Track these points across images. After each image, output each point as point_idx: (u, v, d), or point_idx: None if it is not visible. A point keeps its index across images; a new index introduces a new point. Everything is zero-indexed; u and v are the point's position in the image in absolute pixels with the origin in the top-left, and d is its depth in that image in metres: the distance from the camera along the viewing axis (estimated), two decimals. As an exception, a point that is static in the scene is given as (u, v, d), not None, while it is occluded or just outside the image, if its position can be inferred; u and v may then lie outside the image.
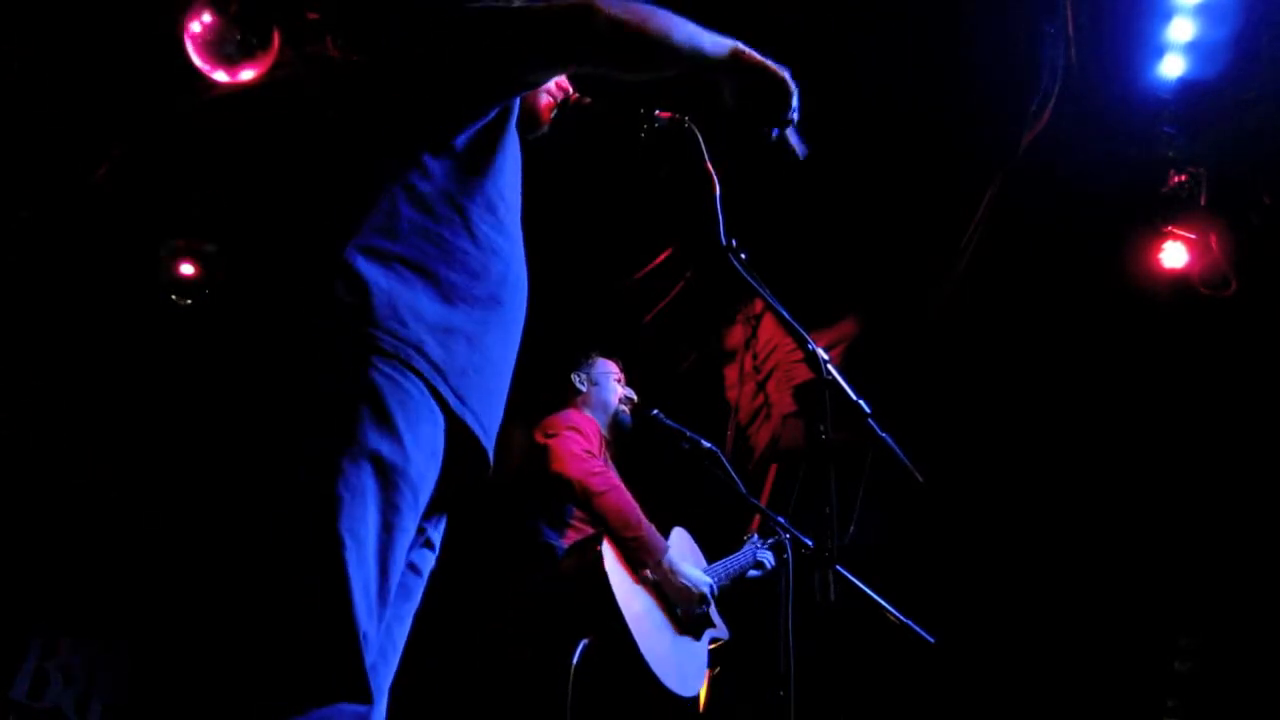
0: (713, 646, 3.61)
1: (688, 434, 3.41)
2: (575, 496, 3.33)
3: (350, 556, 1.42)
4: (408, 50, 1.74)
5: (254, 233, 4.52)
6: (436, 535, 1.77)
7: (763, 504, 3.83)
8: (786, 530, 3.11)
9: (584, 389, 3.76)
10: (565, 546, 3.35)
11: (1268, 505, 4.40)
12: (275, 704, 1.37)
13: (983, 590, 4.71)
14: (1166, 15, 3.98)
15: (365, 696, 1.43)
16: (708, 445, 3.39)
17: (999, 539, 4.77)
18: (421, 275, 1.60)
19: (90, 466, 4.72)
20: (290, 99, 4.08)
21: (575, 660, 3.04)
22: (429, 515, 1.70)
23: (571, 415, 3.59)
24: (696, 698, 3.37)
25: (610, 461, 3.63)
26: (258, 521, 1.45)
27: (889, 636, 3.10)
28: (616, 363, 3.90)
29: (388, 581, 1.49)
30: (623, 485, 3.36)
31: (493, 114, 1.72)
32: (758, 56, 1.83)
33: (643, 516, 3.34)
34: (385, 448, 1.47)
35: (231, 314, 1.70)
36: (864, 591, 3.04)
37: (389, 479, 1.48)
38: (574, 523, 3.41)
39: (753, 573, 3.78)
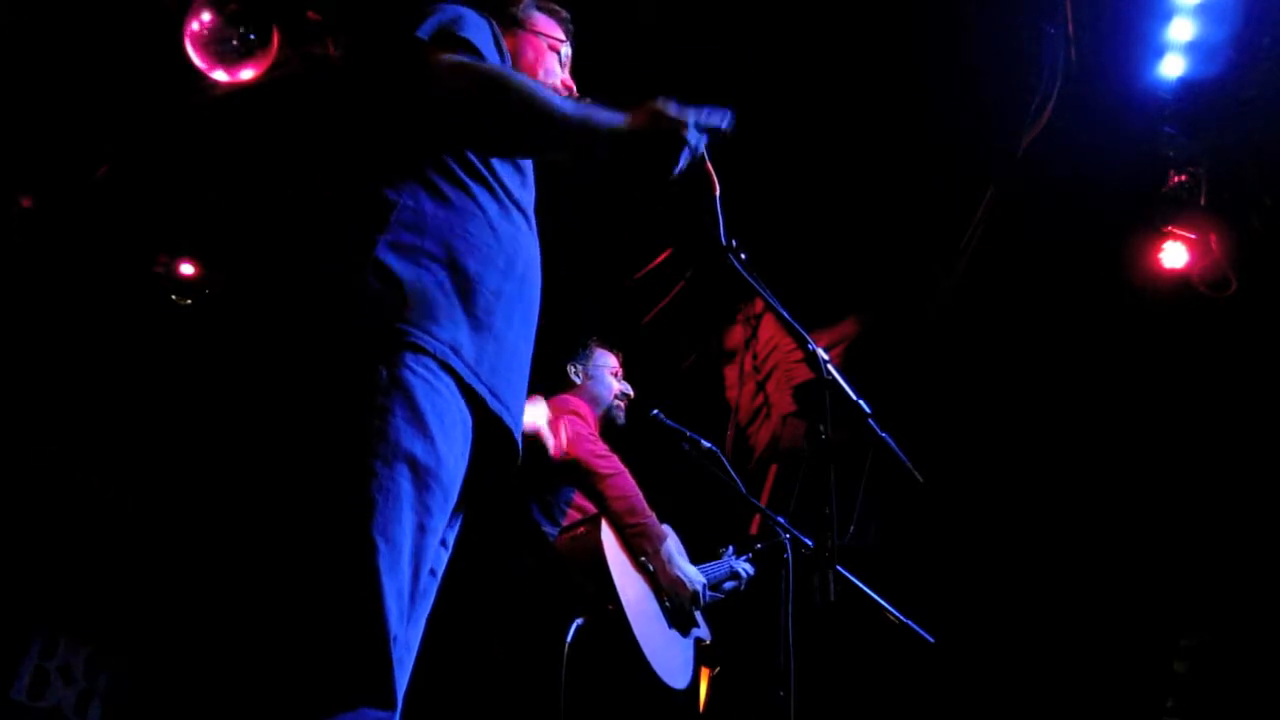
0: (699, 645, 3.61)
1: (688, 434, 3.40)
2: (580, 478, 3.29)
3: (383, 561, 1.40)
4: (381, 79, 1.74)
5: (269, 230, 4.51)
6: (451, 535, 1.76)
7: (763, 504, 3.83)
8: (786, 530, 3.11)
9: (578, 381, 3.69)
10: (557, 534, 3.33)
11: (1268, 505, 4.40)
12: (301, 707, 1.36)
13: (982, 590, 4.71)
14: (1166, 15, 3.98)
15: (390, 702, 1.42)
16: (708, 445, 3.38)
17: (999, 539, 4.77)
18: (449, 270, 1.58)
19: (92, 467, 4.72)
20: (291, 99, 4.08)
21: (569, 640, 3.01)
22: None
23: (570, 400, 3.55)
24: (684, 692, 3.35)
25: None
26: (290, 524, 1.43)
27: (889, 636, 3.09)
28: (616, 355, 3.82)
29: (417, 584, 1.48)
30: (627, 470, 3.32)
31: None
32: (642, 120, 1.67)
33: (645, 504, 3.30)
34: (419, 448, 1.45)
35: (251, 311, 1.68)
36: (864, 591, 3.04)
37: (422, 480, 1.46)
38: (569, 510, 3.38)
39: (729, 584, 3.74)
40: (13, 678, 4.24)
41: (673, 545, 3.37)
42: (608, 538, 3.20)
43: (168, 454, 4.56)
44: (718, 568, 3.71)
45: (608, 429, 3.71)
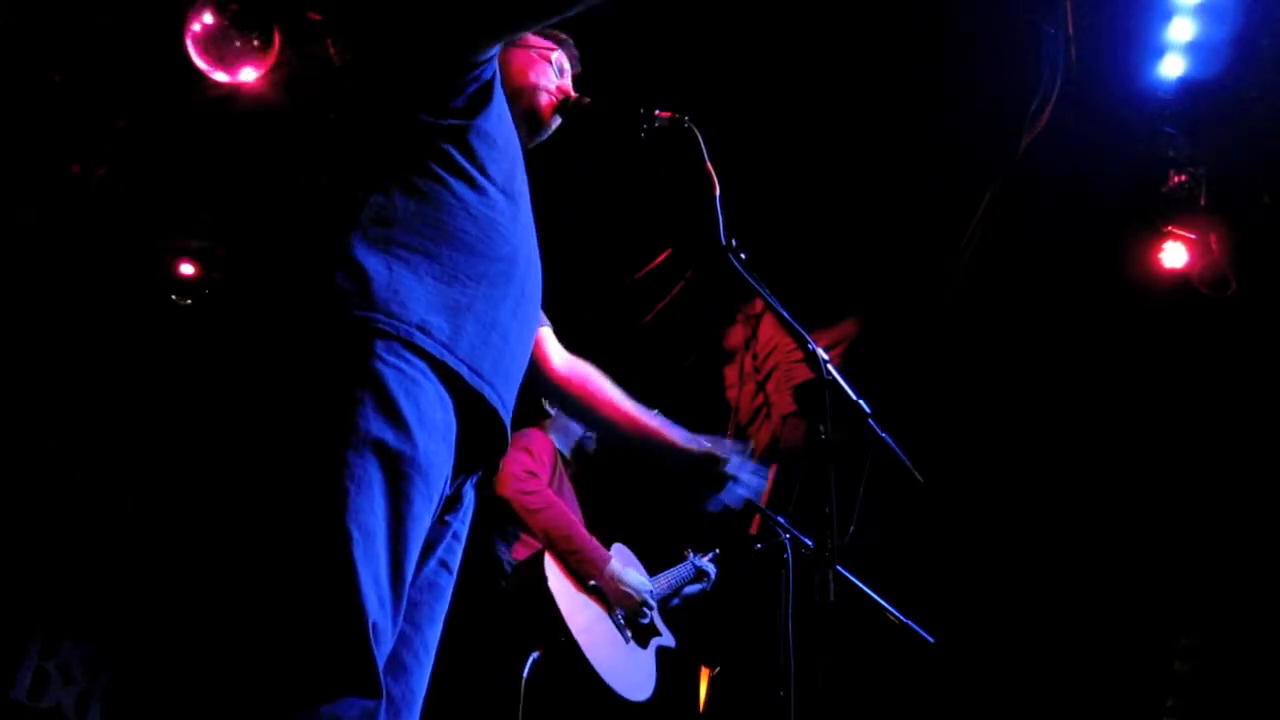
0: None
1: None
2: (515, 515, 3.41)
3: (358, 550, 1.41)
4: (372, 31, 1.76)
5: (255, 231, 4.52)
6: (463, 528, 1.77)
7: (763, 504, 3.83)
8: (786, 530, 3.11)
9: (552, 413, 3.81)
10: (512, 560, 3.42)
11: (1268, 505, 4.40)
12: (282, 698, 1.37)
13: (983, 590, 4.71)
14: (1166, 15, 3.97)
15: (374, 691, 1.42)
16: (708, 445, 3.40)
17: (999, 539, 4.77)
18: (423, 257, 1.59)
19: (90, 466, 4.72)
20: (290, 99, 4.08)
21: (525, 673, 3.12)
22: (452, 508, 1.70)
23: (528, 433, 3.64)
24: (645, 704, 3.45)
25: (566, 480, 3.71)
26: (263, 518, 1.44)
27: (889, 636, 3.09)
28: None
29: (402, 572, 1.48)
30: (560, 502, 3.44)
31: (470, 91, 1.72)
32: None
33: (582, 531, 3.43)
34: (390, 436, 1.46)
35: (231, 311, 1.70)
36: (864, 591, 3.04)
37: (396, 468, 1.47)
38: (523, 535, 3.47)
39: (694, 586, 3.86)
40: (13, 678, 4.24)
41: (617, 564, 3.46)
42: (552, 570, 3.31)
43: (157, 452, 4.56)
44: (680, 570, 3.82)
45: (582, 456, 3.85)
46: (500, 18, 1.70)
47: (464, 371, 1.58)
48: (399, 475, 1.47)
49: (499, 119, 1.78)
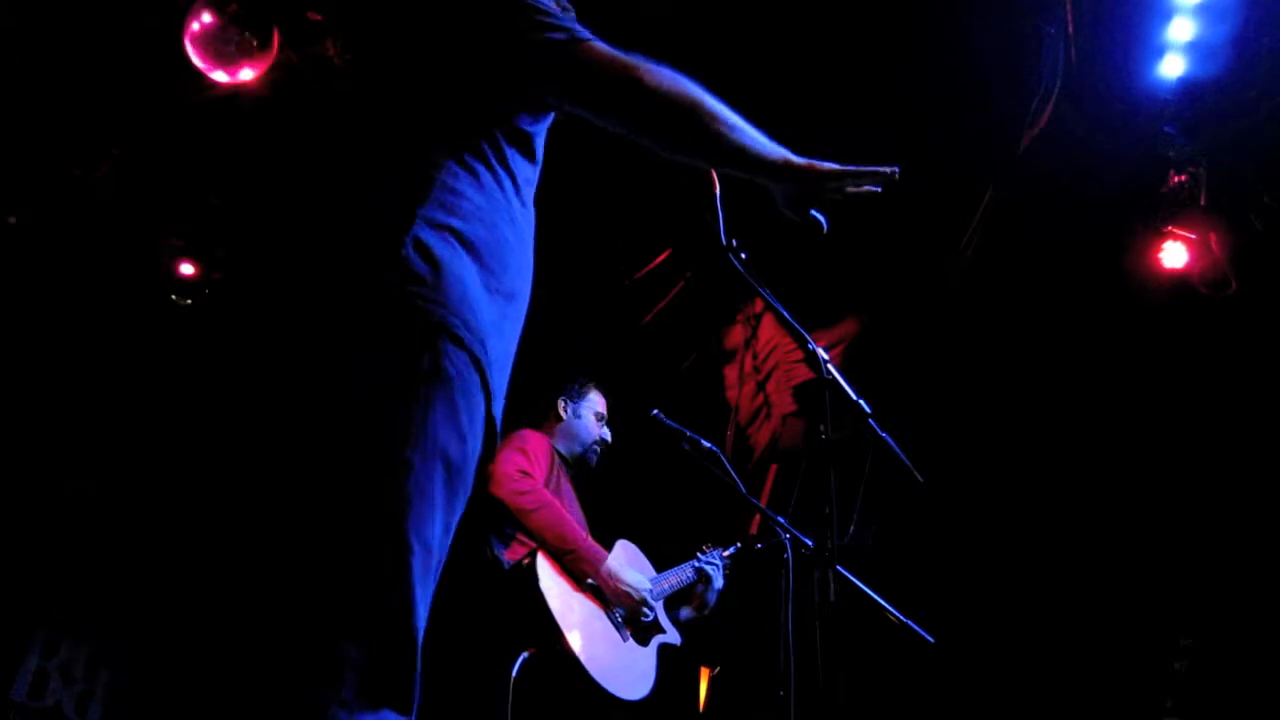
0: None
1: (688, 434, 3.42)
2: (511, 515, 3.38)
3: (416, 562, 1.36)
4: (456, 43, 1.68)
5: (300, 212, 4.50)
6: None
7: (763, 504, 3.83)
8: (786, 530, 3.11)
9: (565, 416, 3.81)
10: (508, 561, 3.41)
11: (1268, 505, 4.40)
12: (323, 707, 1.31)
13: (982, 590, 4.71)
14: (1166, 15, 3.97)
15: (409, 706, 1.37)
16: (708, 445, 3.40)
17: (999, 539, 4.77)
18: (474, 260, 1.53)
19: (90, 466, 4.72)
20: (290, 99, 4.08)
21: (515, 673, 3.10)
22: None
23: (523, 434, 3.62)
24: (645, 703, 3.42)
25: (565, 480, 3.69)
26: (320, 520, 1.37)
27: (889, 636, 3.09)
28: (605, 400, 3.93)
29: (435, 583, 1.44)
30: (555, 502, 3.41)
31: (538, 112, 1.71)
32: (807, 164, 1.85)
33: (578, 530, 3.40)
34: (454, 448, 1.42)
35: (285, 286, 1.60)
36: (864, 591, 3.04)
37: (452, 480, 1.43)
38: (520, 536, 3.46)
39: (718, 584, 3.79)
40: (13, 678, 4.25)
41: (615, 562, 3.43)
42: (545, 569, 3.29)
43: (194, 442, 4.53)
44: (683, 568, 3.76)
45: (581, 469, 3.82)
46: (595, 108, 1.69)
47: (495, 394, 1.54)
48: (452, 489, 1.43)
49: (541, 139, 1.77)
